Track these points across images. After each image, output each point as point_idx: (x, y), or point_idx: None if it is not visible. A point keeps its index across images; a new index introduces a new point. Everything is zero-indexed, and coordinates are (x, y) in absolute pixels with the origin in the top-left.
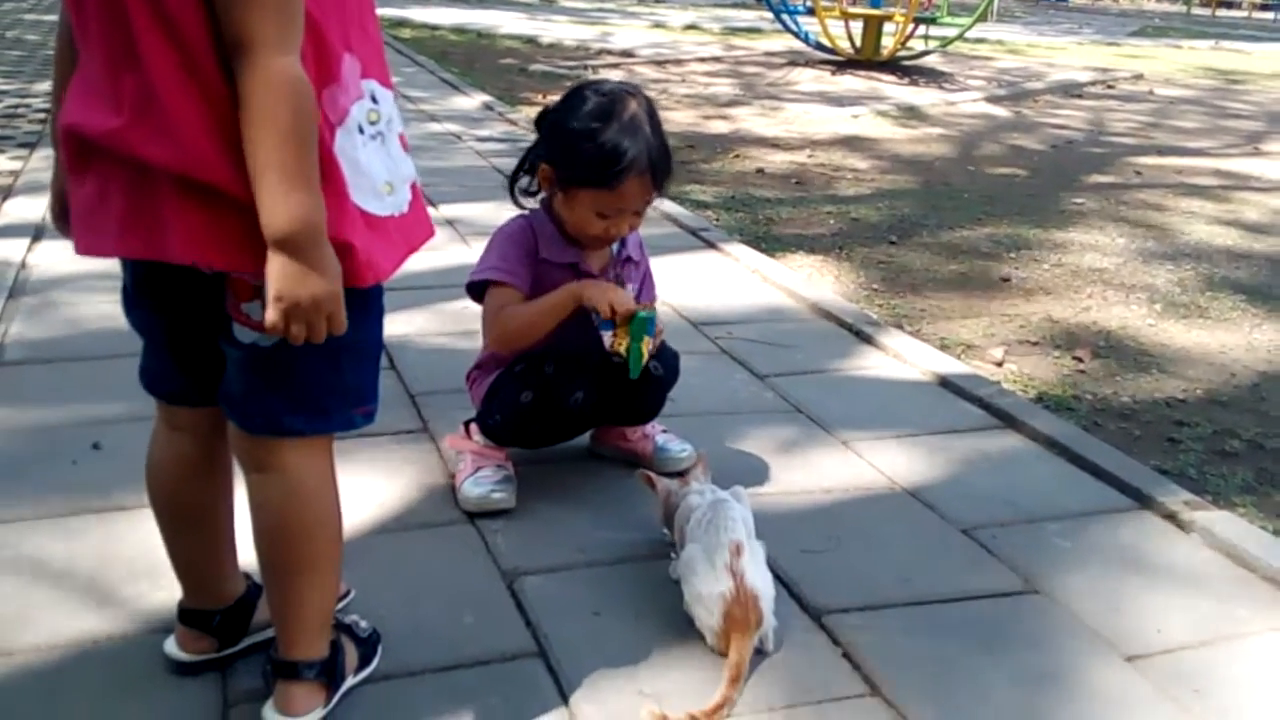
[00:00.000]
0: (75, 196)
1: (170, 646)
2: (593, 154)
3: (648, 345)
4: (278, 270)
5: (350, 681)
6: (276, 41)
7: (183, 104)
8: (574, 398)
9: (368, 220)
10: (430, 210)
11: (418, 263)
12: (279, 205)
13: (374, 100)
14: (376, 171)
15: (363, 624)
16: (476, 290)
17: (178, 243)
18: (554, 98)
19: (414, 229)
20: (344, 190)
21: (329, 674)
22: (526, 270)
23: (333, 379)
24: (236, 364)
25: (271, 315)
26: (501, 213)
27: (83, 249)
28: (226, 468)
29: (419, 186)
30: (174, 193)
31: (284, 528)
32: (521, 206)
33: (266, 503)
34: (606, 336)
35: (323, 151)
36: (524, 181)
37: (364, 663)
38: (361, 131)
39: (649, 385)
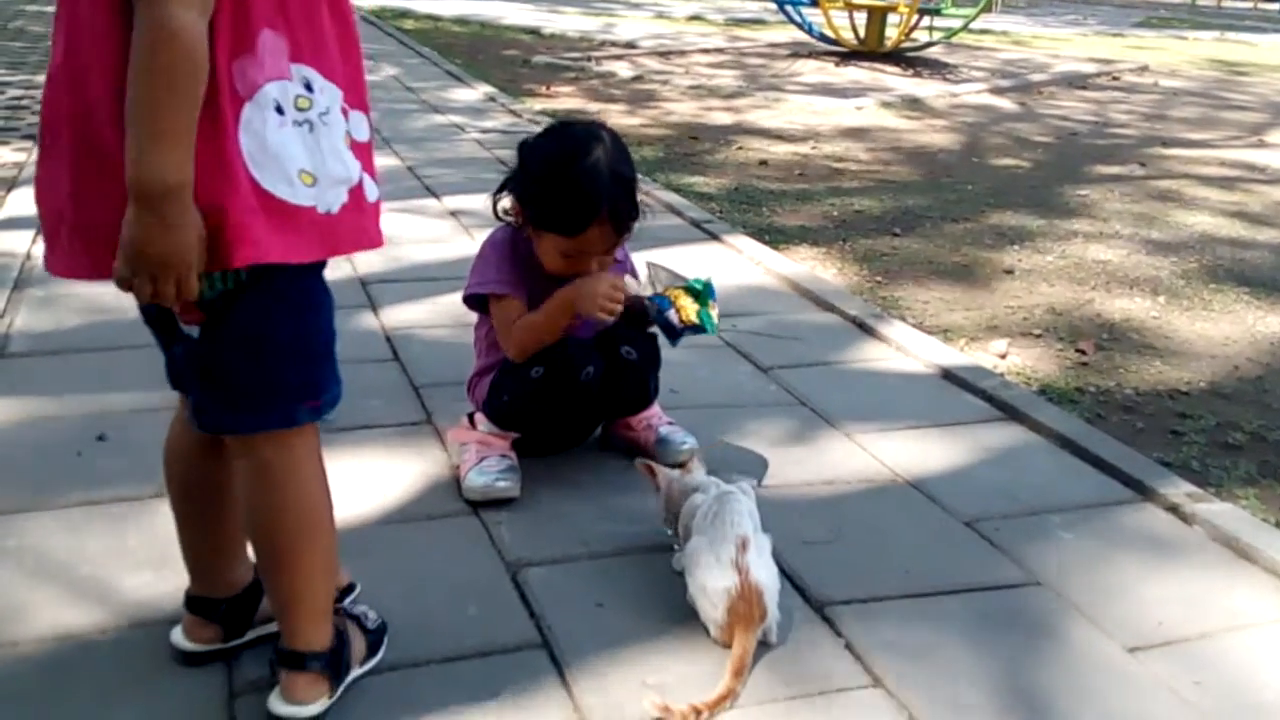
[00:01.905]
0: None
1: (176, 636)
2: (552, 204)
3: (714, 308)
4: (131, 219)
5: (356, 672)
6: None
7: (91, 47)
8: (585, 371)
9: (267, 201)
10: (433, 202)
11: (421, 255)
12: (143, 154)
13: (307, 88)
14: (291, 156)
15: (371, 615)
16: (475, 302)
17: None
18: (557, 88)
19: (341, 232)
20: (234, 161)
21: (334, 665)
22: (521, 277)
23: (260, 375)
24: (180, 358)
25: (117, 264)
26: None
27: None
28: None
29: (369, 199)
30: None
31: (262, 516)
32: (502, 220)
33: (244, 491)
34: (671, 314)
35: (219, 117)
36: (505, 203)
37: (371, 653)
38: (281, 112)
39: (626, 371)
